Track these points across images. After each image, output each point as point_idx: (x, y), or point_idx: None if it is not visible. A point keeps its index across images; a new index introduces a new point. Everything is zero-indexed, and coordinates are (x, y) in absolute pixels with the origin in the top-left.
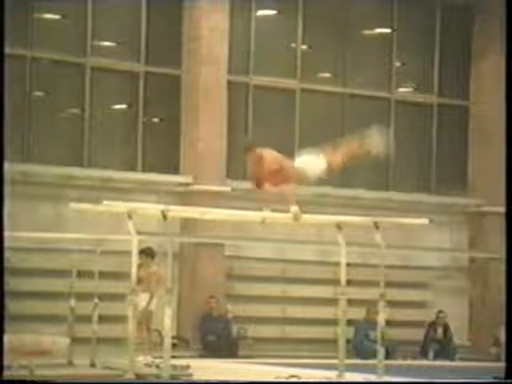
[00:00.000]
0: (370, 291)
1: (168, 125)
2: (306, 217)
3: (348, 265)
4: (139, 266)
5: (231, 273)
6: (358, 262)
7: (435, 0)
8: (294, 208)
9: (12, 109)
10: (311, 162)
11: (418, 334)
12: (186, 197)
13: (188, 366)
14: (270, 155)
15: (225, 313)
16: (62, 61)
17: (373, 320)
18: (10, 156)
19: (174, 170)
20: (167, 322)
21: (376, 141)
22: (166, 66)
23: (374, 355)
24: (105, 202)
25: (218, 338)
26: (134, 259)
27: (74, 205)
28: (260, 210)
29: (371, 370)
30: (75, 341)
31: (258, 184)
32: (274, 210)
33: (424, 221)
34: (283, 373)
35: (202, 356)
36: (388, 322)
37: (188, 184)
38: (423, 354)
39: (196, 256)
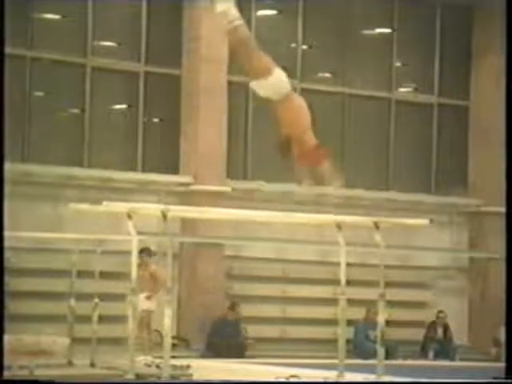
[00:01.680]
0: (369, 291)
1: (168, 125)
2: (305, 217)
3: (348, 265)
4: (138, 266)
5: (231, 273)
6: (357, 262)
7: (435, 0)
8: (337, 183)
9: (12, 109)
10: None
11: (418, 334)
12: (186, 197)
13: (188, 366)
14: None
15: (236, 316)
16: (62, 61)
17: (373, 320)
18: (10, 156)
19: (174, 170)
20: (167, 322)
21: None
22: (166, 66)
23: (373, 355)
24: (104, 203)
25: (228, 342)
26: (134, 259)
27: (73, 205)
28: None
29: (371, 369)
30: (75, 341)
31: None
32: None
33: (425, 221)
34: (283, 373)
35: (202, 356)
36: (388, 322)
37: (188, 184)
38: (423, 354)
39: (196, 256)
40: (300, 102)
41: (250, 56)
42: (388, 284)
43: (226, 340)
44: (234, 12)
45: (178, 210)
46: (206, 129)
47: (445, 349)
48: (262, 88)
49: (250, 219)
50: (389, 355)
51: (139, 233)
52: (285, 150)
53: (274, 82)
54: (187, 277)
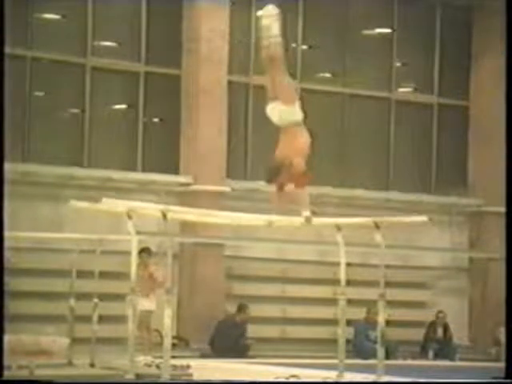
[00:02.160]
0: (370, 291)
1: (168, 125)
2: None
3: (348, 265)
4: (137, 266)
5: (231, 273)
6: (357, 262)
7: (435, 0)
8: (306, 213)
9: (12, 109)
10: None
11: (418, 334)
12: (186, 197)
13: (188, 366)
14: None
15: (244, 318)
16: (62, 61)
17: (373, 320)
18: (10, 156)
19: (174, 170)
20: (167, 321)
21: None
22: (165, 66)
23: (374, 355)
24: (104, 200)
25: (233, 343)
26: (134, 259)
27: (73, 203)
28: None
29: (371, 370)
30: (75, 341)
31: (282, 185)
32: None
33: (423, 218)
34: (283, 373)
35: (202, 356)
36: (388, 322)
37: (188, 184)
38: (423, 354)
39: (196, 256)
40: (303, 132)
41: (274, 75)
42: (388, 284)
43: (231, 342)
44: (275, 29)
45: (178, 211)
46: (206, 129)
47: (445, 349)
48: (276, 111)
49: (250, 223)
50: (389, 355)
51: (139, 233)
52: (272, 176)
53: (293, 112)
54: (187, 277)
